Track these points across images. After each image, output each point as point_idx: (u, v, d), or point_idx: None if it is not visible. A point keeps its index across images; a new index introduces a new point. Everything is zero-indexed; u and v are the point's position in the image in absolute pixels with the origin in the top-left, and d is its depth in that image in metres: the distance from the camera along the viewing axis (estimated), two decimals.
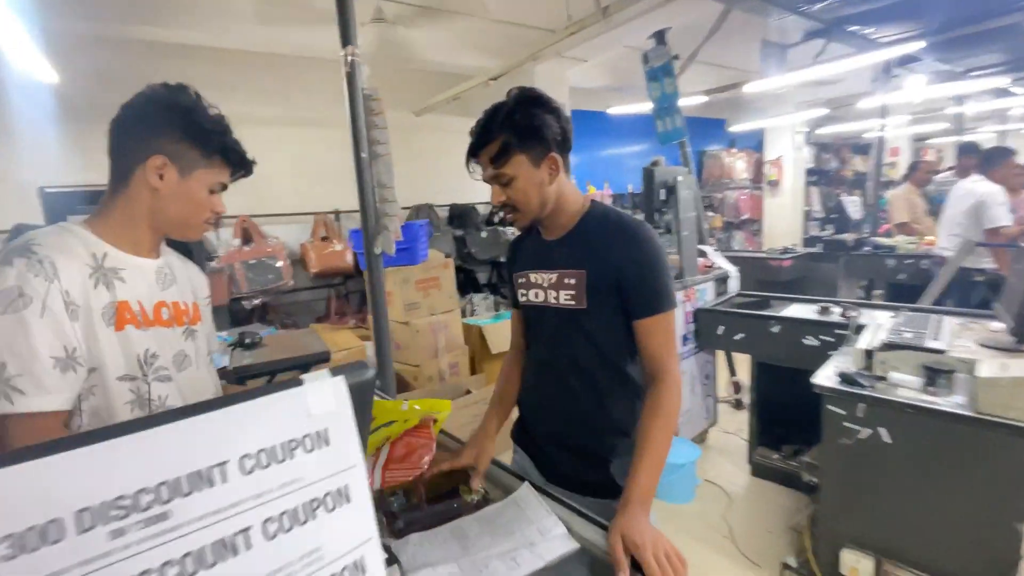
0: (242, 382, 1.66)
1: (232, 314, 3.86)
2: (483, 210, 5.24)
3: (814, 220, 7.99)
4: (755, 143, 7.86)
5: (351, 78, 1.54)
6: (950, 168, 4.48)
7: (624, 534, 0.84)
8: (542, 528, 0.93)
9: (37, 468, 0.29)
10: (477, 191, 5.32)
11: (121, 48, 3.26)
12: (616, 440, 1.12)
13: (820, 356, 2.18)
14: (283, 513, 0.36)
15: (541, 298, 1.16)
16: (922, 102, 6.81)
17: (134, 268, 0.92)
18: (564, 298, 1.10)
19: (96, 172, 3.52)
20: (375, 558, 0.40)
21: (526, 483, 1.05)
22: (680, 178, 2.54)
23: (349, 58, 1.52)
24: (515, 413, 1.32)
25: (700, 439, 3.00)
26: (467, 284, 5.04)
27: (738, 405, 3.44)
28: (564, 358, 1.14)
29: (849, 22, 3.06)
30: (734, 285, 2.98)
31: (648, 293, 1.03)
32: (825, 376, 1.75)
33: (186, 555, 0.31)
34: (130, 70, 3.47)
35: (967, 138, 5.63)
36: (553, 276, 1.12)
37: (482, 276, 5.28)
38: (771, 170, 7.29)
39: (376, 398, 1.54)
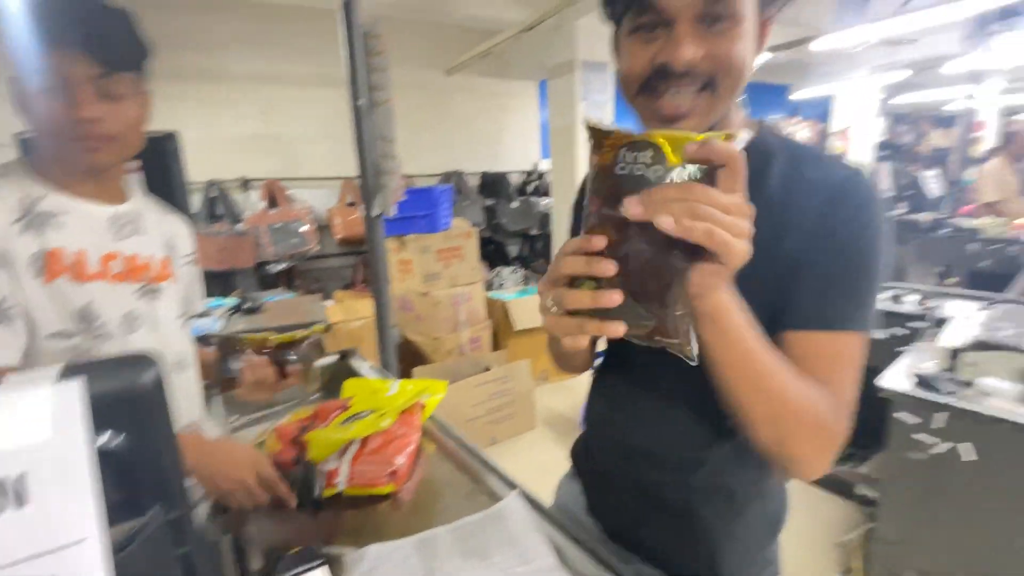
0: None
1: (260, 278, 3.85)
2: (516, 179, 5.00)
3: (884, 199, 7.27)
4: (820, 112, 7.17)
5: (348, 9, 1.34)
6: None
7: None
8: (525, 553, 0.75)
9: None
10: (510, 159, 5.08)
11: (147, 2, 3.19)
12: (731, 515, 0.68)
13: (886, 352, 1.89)
14: None
15: None
16: (1021, 67, 5.97)
17: (79, 213, 0.82)
18: None
19: None
20: None
21: (516, 491, 0.88)
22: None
23: None
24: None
25: None
26: (496, 256, 4.86)
27: None
28: (662, 371, 0.66)
29: None
30: None
31: (841, 291, 0.56)
32: (895, 377, 1.47)
33: None
34: (157, 26, 3.38)
35: None
36: None
37: (512, 248, 5.08)
38: (837, 142, 6.64)
39: (368, 376, 1.40)
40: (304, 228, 3.69)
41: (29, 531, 0.22)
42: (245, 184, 3.81)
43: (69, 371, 0.24)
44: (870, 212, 0.56)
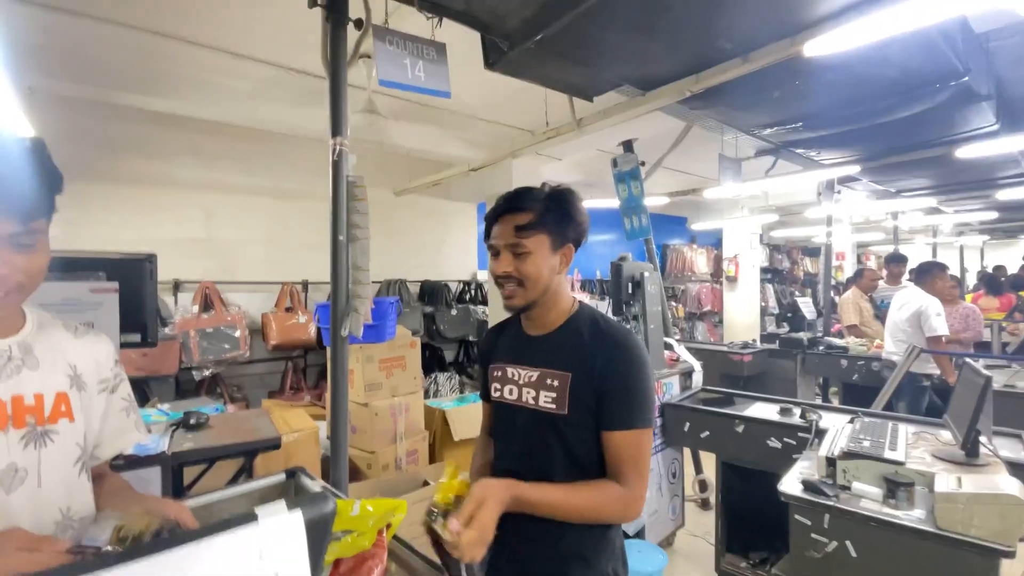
0: (180, 469, 1.50)
1: (178, 385, 3.63)
2: (455, 287, 5.28)
3: (770, 315, 8.38)
4: (715, 240, 8.37)
5: (337, 166, 1.59)
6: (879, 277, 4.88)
7: (479, 489, 0.90)
8: None
9: None
10: (449, 269, 5.40)
11: (103, 111, 3.30)
12: (581, 570, 1.02)
13: (784, 458, 2.19)
14: None
15: (515, 396, 1.08)
16: (862, 215, 7.50)
17: None
18: (544, 400, 1.02)
19: (60, 230, 3.40)
20: None
21: None
22: (646, 274, 2.65)
23: (337, 147, 1.58)
24: None
25: (667, 543, 2.87)
26: (432, 362, 4.94)
27: (705, 505, 3.34)
28: (535, 469, 1.03)
29: (795, 146, 3.42)
30: (699, 379, 3.02)
31: (624, 405, 0.97)
32: (790, 483, 1.74)
33: None
34: (109, 133, 3.49)
35: (903, 248, 6.18)
36: (534, 374, 1.05)
37: (449, 354, 5.20)
38: (729, 266, 7.71)
39: None
40: (237, 333, 3.62)
41: None
42: (176, 287, 3.73)
43: (292, 504, 0.40)
44: (640, 354, 1.00)
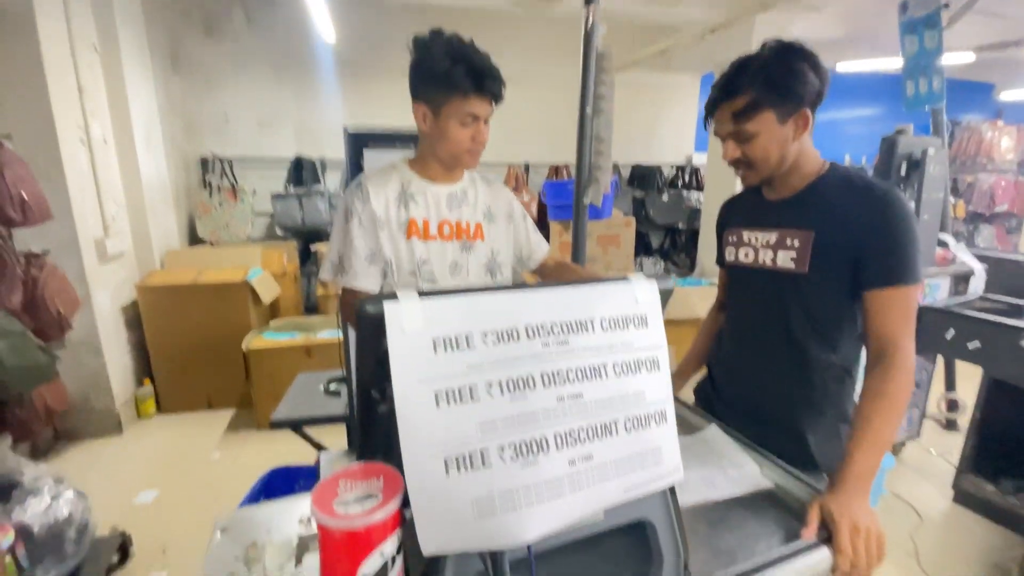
0: None
1: None
2: (668, 172, 5.08)
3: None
4: None
5: (589, 37, 1.64)
6: None
7: (825, 504, 0.77)
8: (734, 462, 0.98)
9: (509, 297, 0.47)
10: (662, 152, 5.17)
11: (386, 11, 3.82)
12: (817, 418, 1.04)
13: None
14: (623, 362, 0.51)
15: (751, 258, 1.09)
16: None
17: (428, 193, 1.19)
18: (783, 260, 1.02)
19: (380, 116, 4.20)
20: (672, 414, 0.54)
21: (714, 424, 1.06)
22: (931, 151, 2.17)
23: (590, 17, 1.63)
24: (700, 372, 1.29)
25: (894, 451, 2.69)
26: (639, 247, 5.02)
27: (950, 425, 2.95)
28: (771, 326, 1.06)
29: None
30: (977, 286, 2.51)
31: (890, 261, 0.91)
32: None
33: (575, 370, 0.48)
34: (390, 30, 4.04)
35: None
36: (772, 236, 1.04)
37: (655, 240, 5.20)
38: None
39: None
40: None
41: (648, 337, 0.54)
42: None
43: (653, 279, 0.56)
44: (905, 209, 0.92)
